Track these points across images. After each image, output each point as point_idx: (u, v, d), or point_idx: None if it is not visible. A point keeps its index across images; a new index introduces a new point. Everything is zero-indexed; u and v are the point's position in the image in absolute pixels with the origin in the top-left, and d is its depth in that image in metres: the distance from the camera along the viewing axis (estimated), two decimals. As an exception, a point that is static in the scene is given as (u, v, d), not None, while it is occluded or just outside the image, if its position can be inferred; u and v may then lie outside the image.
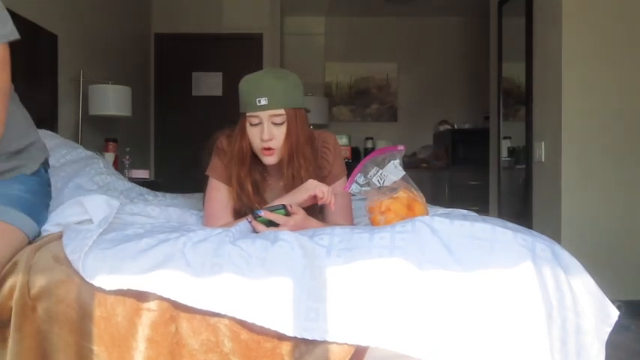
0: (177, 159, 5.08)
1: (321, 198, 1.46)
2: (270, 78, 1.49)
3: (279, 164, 1.57)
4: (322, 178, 1.59)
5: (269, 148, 1.50)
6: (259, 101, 1.45)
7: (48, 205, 1.36)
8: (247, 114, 1.49)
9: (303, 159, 1.54)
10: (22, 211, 1.27)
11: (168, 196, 2.24)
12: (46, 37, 3.03)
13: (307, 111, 1.58)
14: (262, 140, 1.49)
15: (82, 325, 1.09)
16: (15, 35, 1.20)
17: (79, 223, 1.32)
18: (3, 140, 1.27)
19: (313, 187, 1.46)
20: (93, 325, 1.09)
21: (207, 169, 1.62)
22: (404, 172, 1.39)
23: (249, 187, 1.55)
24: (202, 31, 5.15)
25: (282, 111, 1.48)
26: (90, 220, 1.31)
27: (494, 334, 1.05)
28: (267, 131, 1.48)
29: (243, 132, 1.52)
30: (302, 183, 1.52)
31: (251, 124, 1.50)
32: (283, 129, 1.50)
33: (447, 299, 1.07)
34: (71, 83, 3.40)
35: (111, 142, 3.63)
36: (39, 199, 1.36)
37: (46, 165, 1.48)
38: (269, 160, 1.52)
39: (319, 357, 1.05)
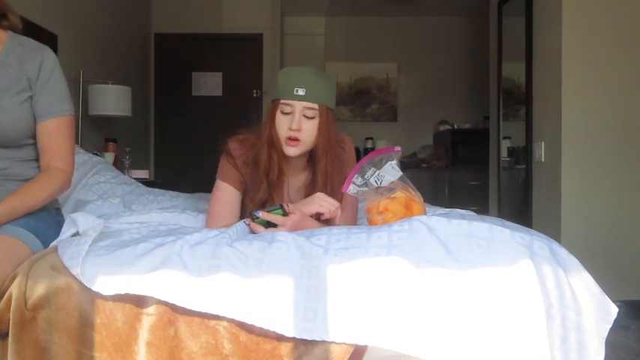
0: (177, 159, 5.09)
1: (323, 214, 1.46)
2: (312, 74, 1.52)
3: (302, 160, 1.60)
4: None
5: (295, 139, 1.51)
6: (297, 90, 1.48)
7: (54, 237, 1.37)
8: (282, 101, 1.51)
9: (334, 157, 1.58)
10: (26, 229, 1.30)
11: (169, 196, 2.24)
12: (46, 37, 3.03)
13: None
14: (290, 129, 1.50)
15: (82, 332, 1.09)
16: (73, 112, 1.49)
17: (72, 236, 1.32)
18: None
19: (319, 202, 1.47)
20: (94, 332, 1.08)
21: (217, 173, 1.63)
22: (401, 173, 1.40)
23: (275, 173, 1.56)
24: (202, 31, 5.16)
25: (316, 105, 1.51)
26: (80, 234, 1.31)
27: (493, 332, 1.05)
28: (297, 121, 1.49)
29: (272, 119, 1.54)
30: (330, 179, 1.56)
31: (282, 112, 1.52)
32: (312, 124, 1.52)
33: (445, 298, 1.07)
34: (71, 83, 3.40)
35: (111, 142, 3.63)
36: (45, 226, 1.38)
37: (58, 211, 1.55)
38: (291, 150, 1.53)
39: (318, 357, 1.05)
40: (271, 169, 1.56)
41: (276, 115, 1.53)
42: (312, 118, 1.51)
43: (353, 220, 1.66)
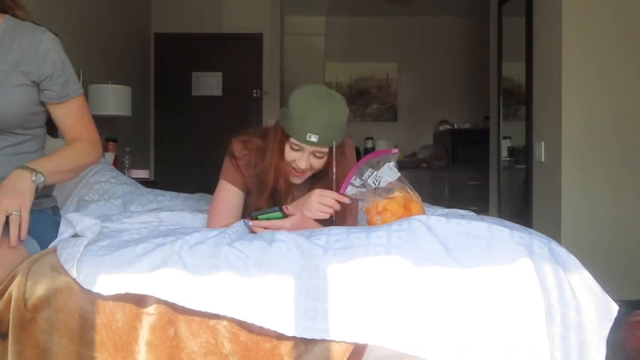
0: (177, 159, 5.09)
1: (331, 206, 1.45)
2: (328, 113, 1.46)
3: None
4: (331, 179, 1.60)
5: (302, 172, 1.53)
6: (309, 137, 1.45)
7: (53, 238, 1.36)
8: (292, 140, 1.48)
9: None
10: None
11: (168, 196, 2.24)
12: (46, 37, 3.03)
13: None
14: (298, 166, 1.51)
15: (82, 332, 1.09)
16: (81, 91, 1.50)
17: (72, 237, 1.32)
18: None
19: (320, 206, 1.44)
20: (95, 333, 1.09)
21: (221, 173, 1.63)
22: (399, 174, 1.40)
23: (282, 194, 1.57)
24: (202, 31, 5.16)
25: (326, 149, 1.50)
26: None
27: (493, 331, 1.05)
28: (306, 162, 1.50)
29: (281, 150, 1.51)
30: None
31: (292, 148, 1.51)
32: (321, 161, 1.53)
33: (444, 297, 1.07)
34: (71, 83, 3.40)
35: (111, 142, 3.63)
36: (43, 226, 1.36)
37: (55, 210, 1.52)
38: (297, 180, 1.56)
39: (318, 356, 1.05)
40: (277, 191, 1.57)
41: (286, 148, 1.51)
42: (322, 157, 1.52)
43: (353, 215, 1.65)
